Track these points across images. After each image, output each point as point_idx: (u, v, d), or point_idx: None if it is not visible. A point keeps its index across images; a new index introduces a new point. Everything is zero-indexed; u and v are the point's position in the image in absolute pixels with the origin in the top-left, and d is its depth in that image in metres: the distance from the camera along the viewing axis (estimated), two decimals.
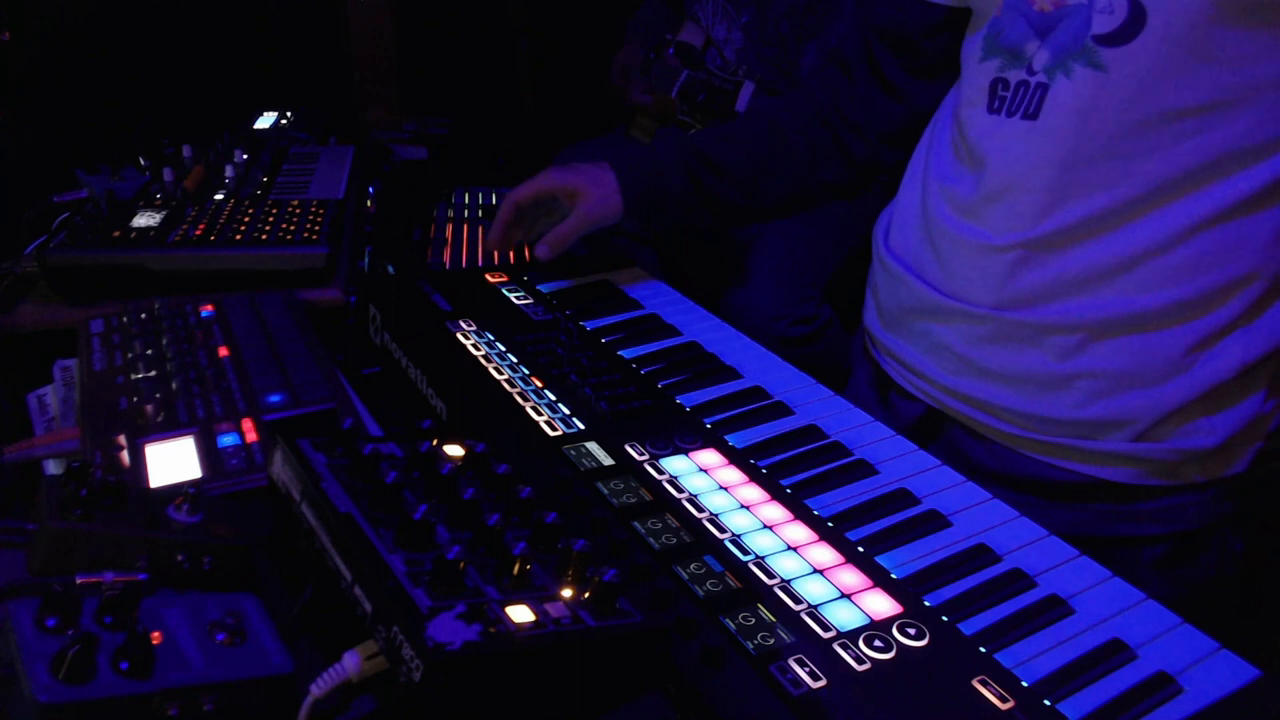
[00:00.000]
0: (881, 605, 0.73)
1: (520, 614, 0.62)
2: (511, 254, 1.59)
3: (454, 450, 0.81)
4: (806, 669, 0.66)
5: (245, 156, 1.69)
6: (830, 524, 0.82)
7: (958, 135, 1.08)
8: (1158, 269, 0.96)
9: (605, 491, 0.83)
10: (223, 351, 1.05)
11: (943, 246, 1.08)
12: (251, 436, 0.91)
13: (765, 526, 0.81)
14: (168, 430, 0.91)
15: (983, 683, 0.67)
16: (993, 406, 1.06)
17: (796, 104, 1.29)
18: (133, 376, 0.99)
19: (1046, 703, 0.66)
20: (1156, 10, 0.89)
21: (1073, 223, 0.97)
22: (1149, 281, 0.96)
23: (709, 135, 1.28)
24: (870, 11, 1.23)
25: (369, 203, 1.74)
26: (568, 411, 0.95)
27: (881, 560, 0.78)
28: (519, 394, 0.98)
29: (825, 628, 0.70)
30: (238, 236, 1.33)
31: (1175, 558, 1.06)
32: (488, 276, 1.25)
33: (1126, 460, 1.02)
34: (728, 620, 0.70)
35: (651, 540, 0.77)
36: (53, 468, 0.93)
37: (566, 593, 0.66)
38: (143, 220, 1.36)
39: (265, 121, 2.10)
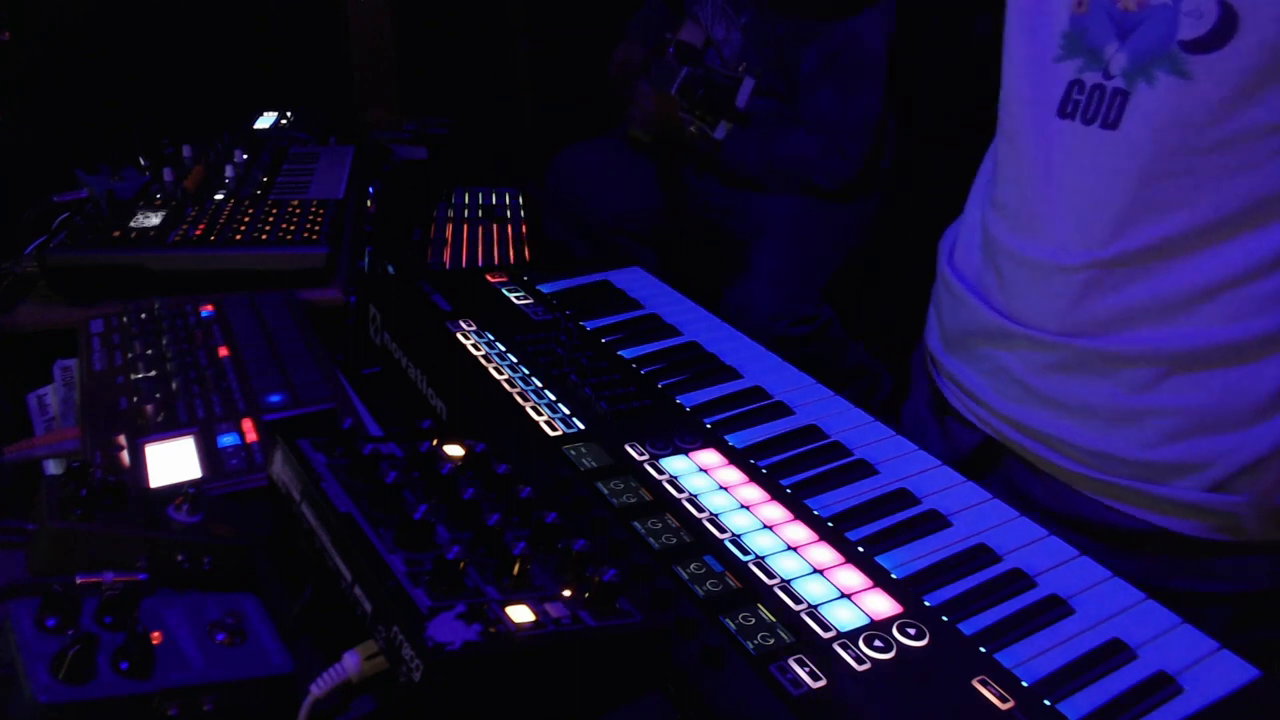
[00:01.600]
0: (881, 605, 0.73)
1: (520, 614, 0.62)
2: (511, 254, 1.59)
3: (454, 450, 0.81)
4: (806, 669, 0.66)
5: (245, 156, 1.69)
6: (830, 524, 0.82)
7: (1013, 139, 1.00)
8: (1245, 298, 0.88)
9: (605, 491, 0.83)
10: (223, 351, 1.05)
11: (1003, 265, 1.01)
12: (251, 436, 0.91)
13: (765, 526, 0.81)
14: (168, 430, 0.91)
15: (983, 683, 0.67)
16: (1055, 440, 0.99)
17: None
18: (133, 376, 0.99)
19: (1046, 703, 0.66)
20: (1249, 15, 0.81)
21: (1150, 243, 0.89)
22: (1234, 311, 0.88)
23: None
24: None
25: (369, 203, 1.74)
26: (568, 411, 0.95)
27: (881, 560, 0.78)
28: (519, 394, 0.98)
29: (825, 628, 0.70)
30: (238, 236, 1.33)
31: (1243, 620, 0.98)
32: (488, 276, 1.25)
33: (1196, 512, 0.94)
34: (728, 620, 0.70)
35: (651, 540, 0.77)
36: (53, 468, 0.93)
37: (566, 593, 0.66)
38: (143, 220, 1.36)
39: (265, 121, 2.11)
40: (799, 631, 0.70)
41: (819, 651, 0.68)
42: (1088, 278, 0.92)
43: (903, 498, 0.85)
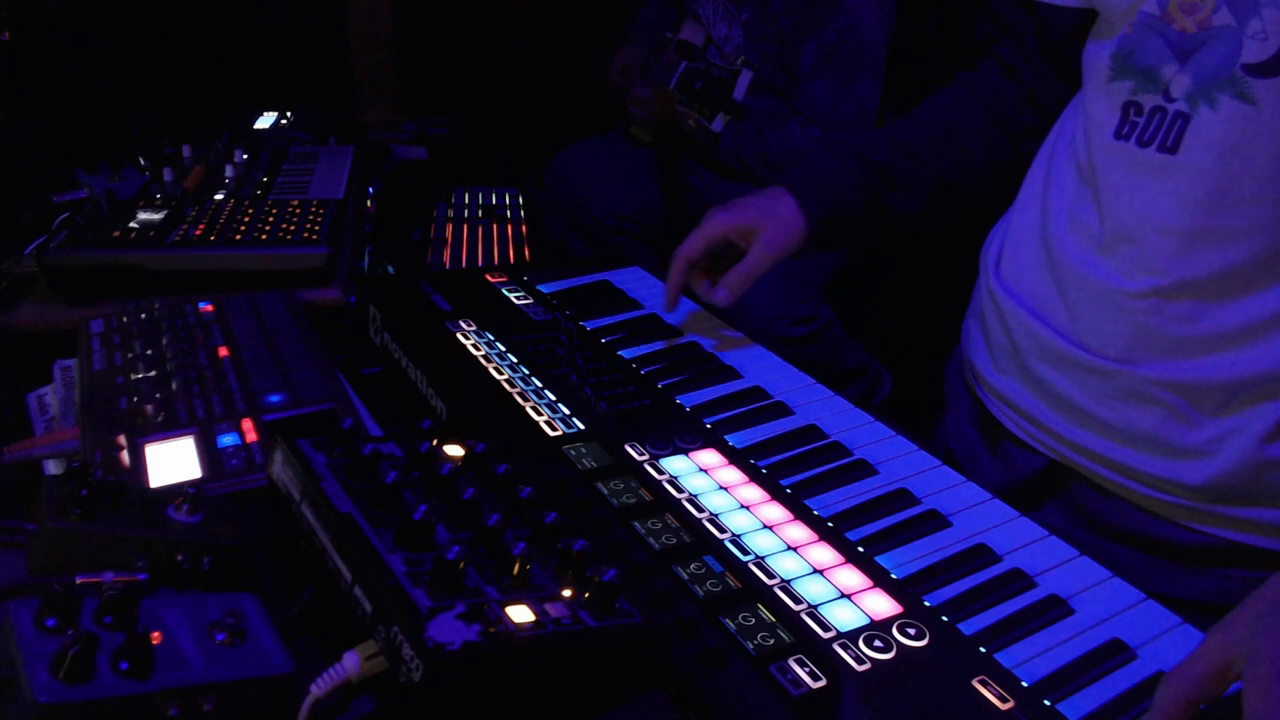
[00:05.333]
0: (881, 605, 0.73)
1: (520, 614, 0.62)
2: (511, 254, 1.59)
3: (454, 450, 0.81)
4: (806, 669, 0.66)
5: (245, 156, 1.68)
6: (830, 524, 0.82)
7: (1084, 157, 0.96)
8: None
9: (605, 491, 0.83)
10: (223, 351, 1.05)
11: (1069, 286, 0.96)
12: (251, 436, 0.91)
13: (765, 526, 0.81)
14: (168, 430, 0.91)
15: (983, 683, 0.67)
16: (1120, 465, 0.95)
17: (964, 105, 1.17)
18: (133, 376, 0.99)
19: (1046, 703, 0.66)
20: None
21: (1214, 271, 0.86)
22: None
23: (882, 145, 1.16)
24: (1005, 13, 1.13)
25: (369, 203, 1.74)
26: (568, 411, 0.95)
27: (881, 560, 0.78)
28: (519, 394, 0.98)
29: (825, 628, 0.70)
30: (238, 236, 1.33)
31: None
32: (488, 276, 1.25)
33: (1274, 530, 0.91)
34: (728, 620, 0.70)
35: (651, 540, 0.77)
36: (53, 468, 0.93)
37: (566, 593, 0.66)
38: (143, 220, 1.36)
39: (265, 121, 2.10)
40: (799, 631, 0.70)
41: (819, 651, 0.68)
42: (1150, 305, 0.89)
43: (903, 498, 0.85)
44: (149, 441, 0.89)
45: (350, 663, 0.63)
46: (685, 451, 0.90)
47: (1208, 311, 0.87)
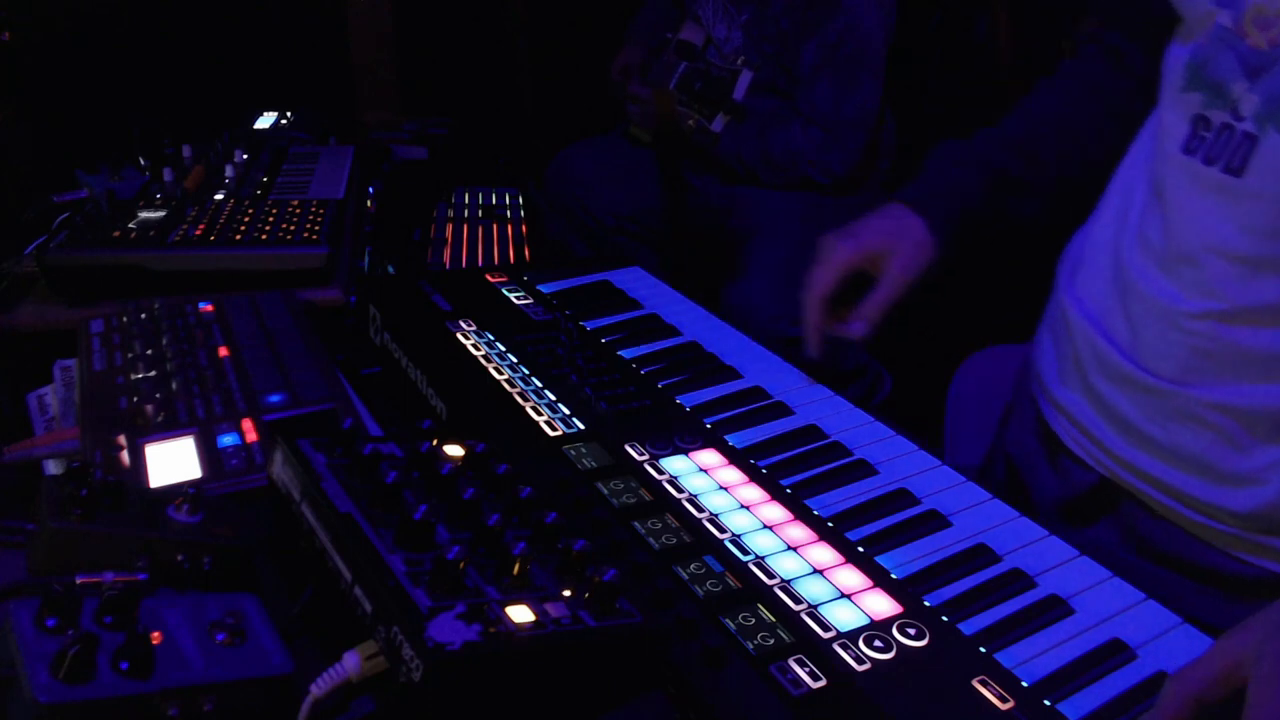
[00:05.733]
0: (881, 605, 0.73)
1: (520, 614, 0.62)
2: (511, 254, 1.59)
3: (454, 450, 0.81)
4: (806, 669, 0.66)
5: (245, 156, 1.69)
6: (830, 524, 0.82)
7: (1155, 170, 0.92)
8: None
9: (605, 491, 0.83)
10: (223, 351, 1.05)
11: (1132, 302, 0.93)
12: (251, 436, 0.91)
13: (765, 526, 0.81)
14: (168, 430, 0.91)
15: (983, 683, 0.67)
16: (1169, 488, 0.93)
17: (1076, 97, 1.12)
18: (133, 376, 0.99)
19: (1046, 703, 0.66)
20: None
21: (1274, 301, 0.82)
22: None
23: (1000, 149, 1.10)
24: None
25: (369, 203, 1.74)
26: (568, 411, 0.95)
27: (881, 560, 0.78)
28: (519, 394, 0.98)
29: (825, 628, 0.70)
30: (238, 236, 1.33)
31: None
32: (488, 276, 1.25)
33: None
34: (728, 620, 0.70)
35: (651, 540, 0.77)
36: (53, 468, 0.93)
37: (566, 593, 0.66)
38: (143, 220, 1.36)
39: (265, 121, 2.10)
40: (799, 631, 0.70)
41: (819, 651, 0.68)
42: (1206, 327, 0.86)
43: (903, 498, 0.85)
44: (149, 441, 0.89)
45: (350, 663, 0.63)
46: (685, 451, 0.90)
47: (1265, 338, 0.84)
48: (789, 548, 0.78)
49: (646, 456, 0.89)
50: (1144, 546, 0.96)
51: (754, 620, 0.70)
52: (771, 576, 0.75)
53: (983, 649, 0.70)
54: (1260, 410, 0.85)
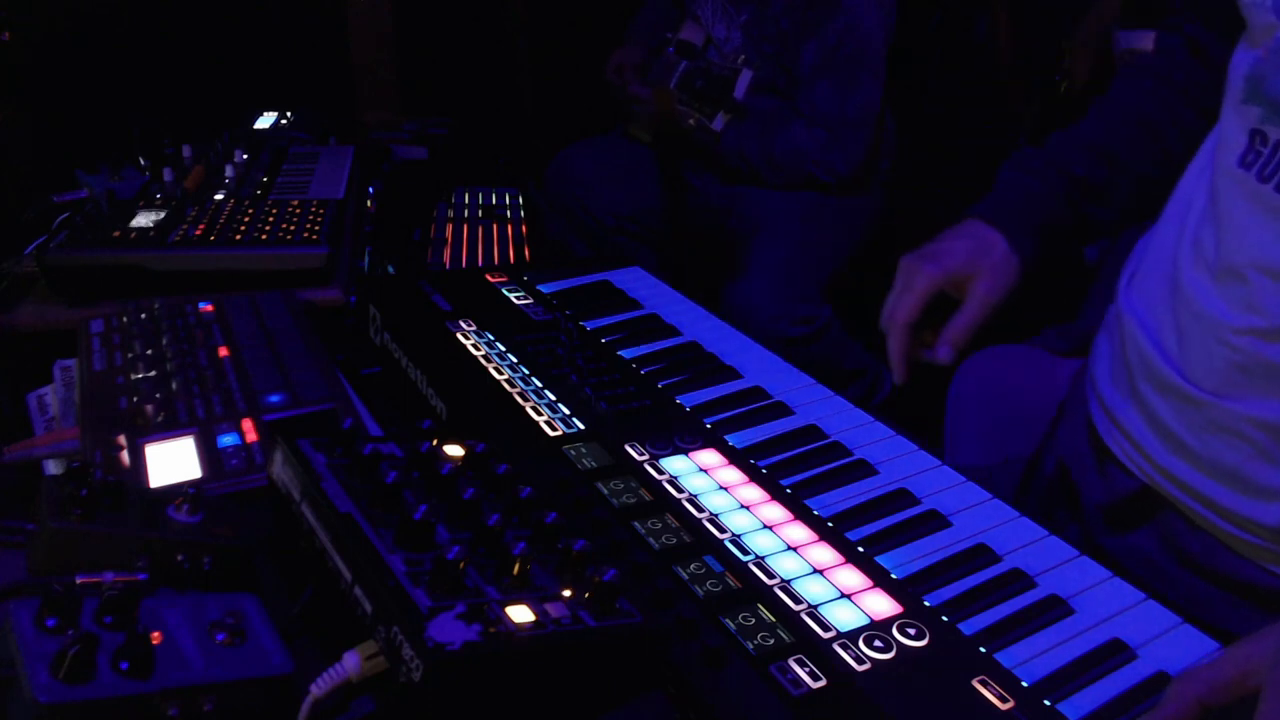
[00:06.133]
0: (881, 605, 0.73)
1: (520, 614, 0.62)
2: (511, 254, 1.59)
3: (454, 450, 0.81)
4: (806, 669, 0.66)
5: (245, 156, 1.69)
6: (830, 524, 0.82)
7: (1212, 178, 0.91)
8: None
9: (605, 491, 0.83)
10: (223, 351, 1.05)
11: (1181, 312, 0.92)
12: (251, 436, 0.91)
13: (765, 526, 0.81)
14: (168, 430, 0.91)
15: (983, 683, 0.67)
16: (1205, 498, 0.92)
17: (1156, 93, 1.08)
18: (133, 376, 0.99)
19: (1046, 703, 0.66)
20: None
21: None
22: None
23: (1079, 154, 1.07)
24: None
25: (369, 203, 1.74)
26: (568, 411, 0.95)
27: (881, 560, 0.78)
28: (519, 394, 0.98)
29: (825, 628, 0.70)
30: (238, 236, 1.33)
31: None
32: (488, 276, 1.25)
33: None
34: (728, 620, 0.70)
35: (651, 540, 0.77)
36: (53, 468, 0.93)
37: (566, 593, 0.66)
38: (143, 220, 1.36)
39: (265, 121, 2.10)
40: (799, 631, 0.70)
41: (819, 651, 0.68)
42: (1248, 342, 0.85)
43: (903, 498, 0.85)
44: (149, 441, 0.89)
45: (350, 663, 0.63)
46: (685, 451, 0.90)
47: None
48: (789, 548, 0.78)
49: (646, 456, 0.89)
50: (1182, 556, 0.95)
51: (754, 620, 0.70)
52: (771, 576, 0.75)
53: (983, 649, 0.70)
54: None
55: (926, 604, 0.74)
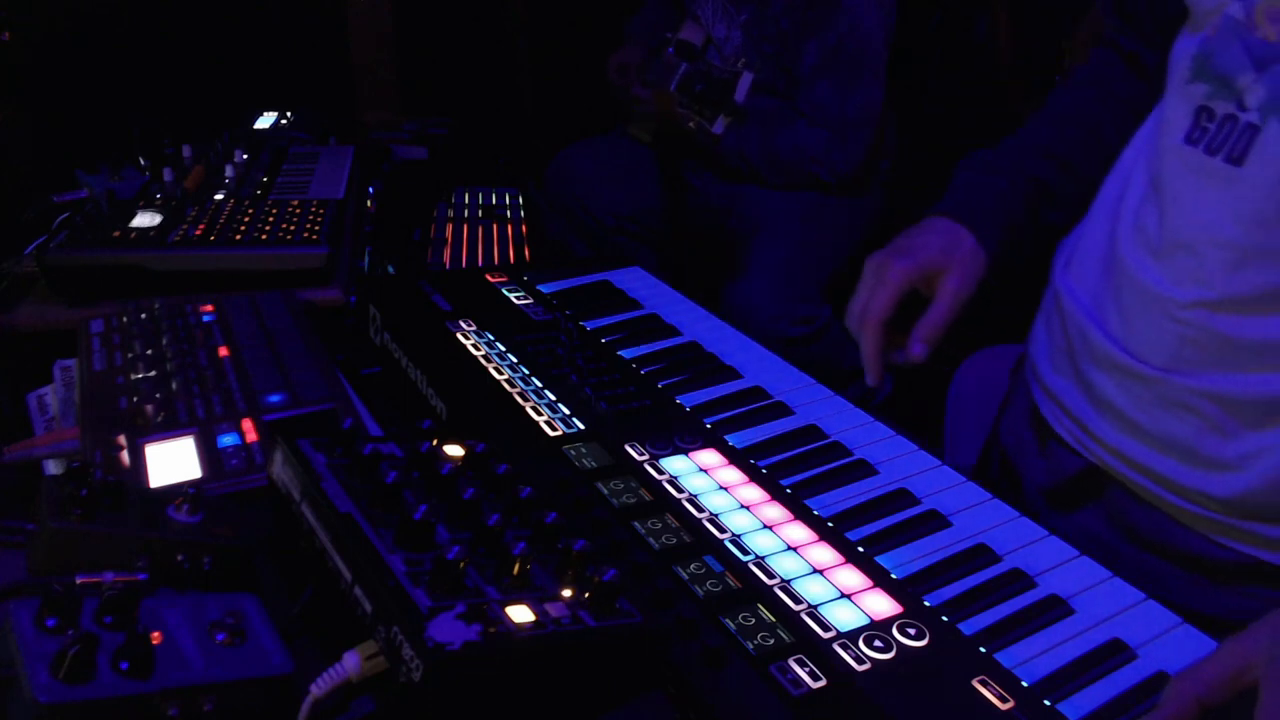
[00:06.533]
0: (881, 605, 0.73)
1: (520, 614, 0.62)
2: (511, 254, 1.59)
3: (454, 450, 0.81)
4: (806, 669, 0.66)
5: (245, 156, 1.69)
6: (830, 524, 0.82)
7: (1154, 159, 0.93)
8: None
9: (605, 491, 0.83)
10: (223, 352, 1.05)
11: (1124, 291, 0.94)
12: (251, 436, 0.91)
13: (765, 526, 0.81)
14: (168, 430, 0.91)
15: (983, 683, 0.67)
16: (1155, 474, 0.93)
17: (1100, 100, 1.11)
18: (133, 376, 0.99)
19: (1046, 703, 0.66)
20: None
21: (1261, 290, 0.83)
22: None
23: (1034, 156, 1.08)
24: None
25: (369, 203, 1.74)
26: (568, 411, 0.95)
27: (881, 560, 0.78)
28: (519, 394, 0.98)
29: (825, 628, 0.70)
30: (238, 236, 1.33)
31: None
32: (488, 276, 1.25)
33: None
34: (728, 620, 0.70)
35: (651, 540, 0.77)
36: (53, 468, 0.93)
37: (566, 593, 0.66)
38: (143, 220, 1.36)
39: (265, 121, 2.10)
40: (799, 631, 0.70)
41: (819, 651, 0.68)
42: (1195, 315, 0.87)
43: (903, 498, 0.85)
44: (149, 441, 0.89)
45: (350, 663, 0.63)
46: (685, 451, 0.90)
47: (1251, 326, 0.84)
48: (789, 548, 0.78)
49: (646, 456, 0.89)
50: (1130, 533, 0.97)
51: (754, 620, 0.70)
52: (771, 576, 0.75)
53: (983, 649, 0.70)
54: (1246, 398, 0.86)
55: (926, 604, 0.74)
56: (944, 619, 0.72)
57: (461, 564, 0.62)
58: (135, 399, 0.95)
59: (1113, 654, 0.70)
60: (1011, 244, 1.04)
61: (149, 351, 1.03)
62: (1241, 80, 0.82)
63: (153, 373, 0.99)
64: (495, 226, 1.66)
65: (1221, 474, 0.88)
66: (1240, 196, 0.82)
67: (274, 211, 1.42)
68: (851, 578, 0.76)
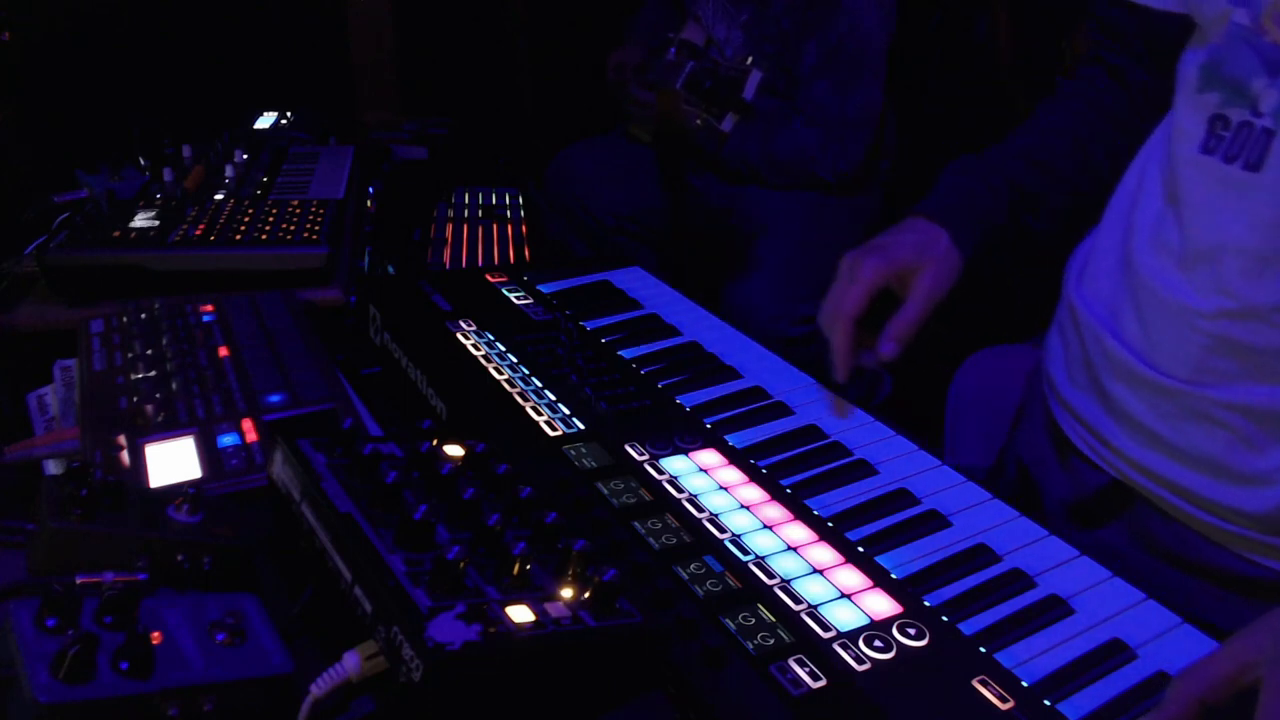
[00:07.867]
0: (881, 605, 0.73)
1: (520, 614, 0.62)
2: (511, 254, 1.59)
3: (454, 450, 0.81)
4: (806, 669, 0.66)
5: (245, 156, 1.69)
6: (830, 524, 0.82)
7: (1169, 172, 0.92)
8: None
9: (605, 491, 0.83)
10: (223, 352, 1.05)
11: (1144, 302, 0.93)
12: (251, 436, 0.91)
13: (765, 526, 0.81)
14: (168, 430, 0.91)
15: (983, 683, 0.67)
16: (1182, 489, 0.92)
17: (1084, 112, 1.12)
18: (133, 376, 0.99)
19: (1046, 703, 0.66)
20: None
21: None
22: None
23: (1019, 163, 1.08)
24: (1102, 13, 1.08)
25: (369, 203, 1.74)
26: (568, 411, 0.95)
27: (881, 560, 0.78)
28: (519, 394, 0.98)
29: (825, 628, 0.70)
30: (238, 236, 1.33)
31: None
32: (488, 276, 1.25)
33: None
34: (728, 620, 0.70)
35: (651, 540, 0.77)
36: (53, 468, 0.93)
37: (566, 593, 0.66)
38: (143, 220, 1.36)
39: (265, 121, 2.11)
40: (799, 631, 0.70)
41: (819, 651, 0.68)
42: (1219, 326, 0.86)
43: (903, 498, 0.85)
44: (149, 441, 0.89)
45: (350, 663, 0.63)
46: (685, 451, 0.90)
47: (1277, 337, 0.83)
48: (789, 548, 0.78)
49: (646, 456, 0.89)
50: (1156, 548, 0.95)
51: (754, 620, 0.70)
52: (771, 576, 0.75)
53: (983, 649, 0.70)
54: (1274, 410, 0.85)
55: (926, 604, 0.74)
56: (944, 619, 0.72)
57: (461, 564, 0.62)
58: (135, 399, 0.95)
59: (1113, 654, 0.70)
60: (988, 246, 1.04)
61: (149, 351, 1.03)
62: (1255, 85, 0.81)
63: (153, 373, 0.99)
64: (495, 226, 1.67)
65: (1253, 489, 0.87)
66: (1259, 202, 0.81)
67: (274, 211, 1.42)
68: (851, 578, 0.76)
